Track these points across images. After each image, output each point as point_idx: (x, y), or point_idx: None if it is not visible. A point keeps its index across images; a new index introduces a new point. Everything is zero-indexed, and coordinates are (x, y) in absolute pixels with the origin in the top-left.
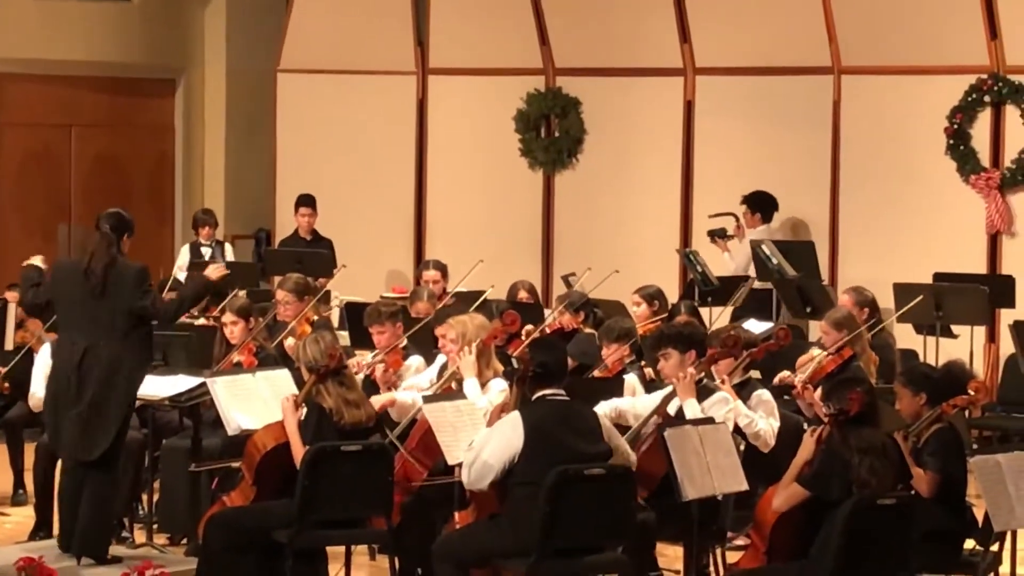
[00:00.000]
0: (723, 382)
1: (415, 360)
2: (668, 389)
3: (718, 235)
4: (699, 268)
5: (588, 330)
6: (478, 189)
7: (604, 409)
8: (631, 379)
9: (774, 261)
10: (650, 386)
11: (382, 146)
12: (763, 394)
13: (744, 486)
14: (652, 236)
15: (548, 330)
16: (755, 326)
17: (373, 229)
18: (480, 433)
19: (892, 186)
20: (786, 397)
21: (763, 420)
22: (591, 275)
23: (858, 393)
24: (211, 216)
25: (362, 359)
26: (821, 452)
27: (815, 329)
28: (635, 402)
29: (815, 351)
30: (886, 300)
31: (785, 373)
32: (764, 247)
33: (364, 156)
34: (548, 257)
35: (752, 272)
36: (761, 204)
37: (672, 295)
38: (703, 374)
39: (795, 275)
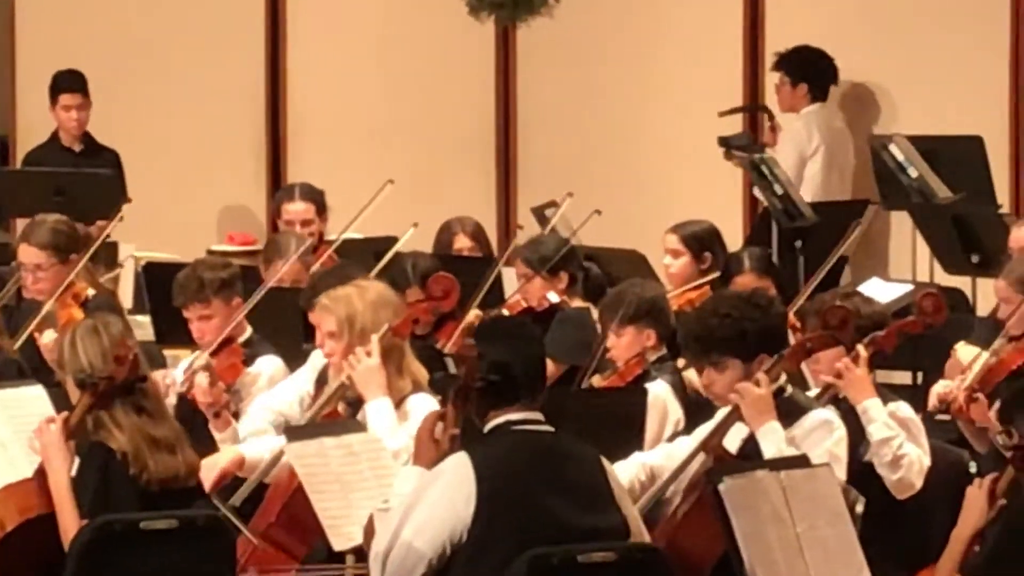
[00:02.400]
0: (827, 390)
1: (267, 364)
2: (724, 412)
3: (736, 145)
4: (778, 187)
5: (577, 303)
6: (377, 56)
7: (628, 472)
8: (659, 390)
9: (912, 172)
10: (694, 402)
11: None
12: (901, 408)
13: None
14: (689, 133)
15: (508, 308)
16: (881, 289)
17: (190, 132)
18: (396, 489)
19: None
20: (939, 417)
21: (908, 444)
22: (578, 204)
23: None
24: None
25: (172, 370)
26: (1002, 516)
27: (987, 293)
28: (673, 450)
29: (978, 351)
30: None
31: (944, 386)
32: (894, 148)
33: (171, 7)
34: (507, 175)
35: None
36: (807, 69)
37: (732, 241)
38: (784, 379)
39: (952, 197)
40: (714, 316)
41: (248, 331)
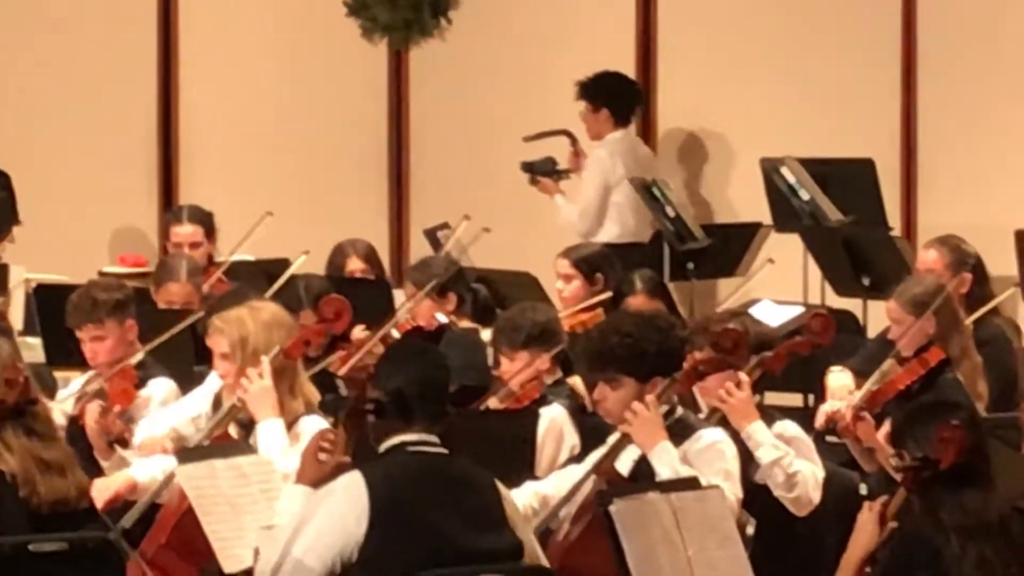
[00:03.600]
0: (714, 412)
1: (159, 387)
2: (615, 436)
3: (540, 171)
4: (670, 209)
5: (465, 324)
6: (270, 78)
7: (520, 500)
8: (556, 414)
9: (803, 195)
10: (588, 424)
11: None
12: (788, 427)
13: None
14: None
15: (398, 328)
16: (771, 311)
17: (81, 153)
18: (280, 508)
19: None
20: (829, 439)
21: (799, 461)
22: (470, 226)
23: (954, 430)
24: None
25: (64, 398)
26: (893, 539)
27: (877, 315)
28: (562, 478)
29: (849, 378)
30: (999, 258)
31: (831, 406)
32: (785, 170)
33: (62, 29)
34: (400, 197)
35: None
36: (609, 93)
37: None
38: (672, 401)
39: (843, 220)
40: (615, 334)
41: (141, 353)
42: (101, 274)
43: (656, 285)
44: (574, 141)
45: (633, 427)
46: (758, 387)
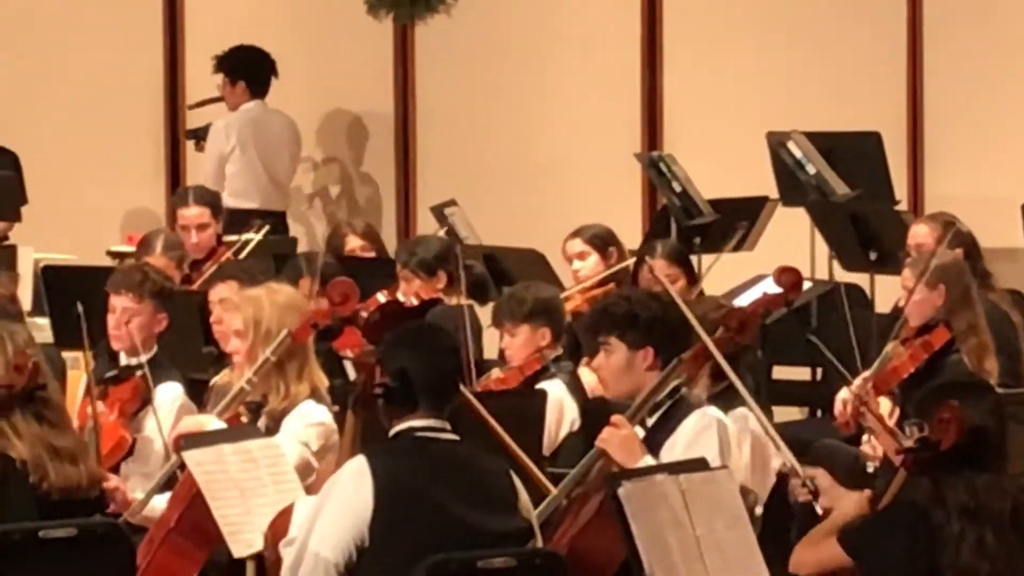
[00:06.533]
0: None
1: (166, 393)
2: (592, 453)
3: (203, 137)
4: (676, 184)
5: (457, 301)
6: (276, 54)
7: None
8: (556, 389)
9: (810, 169)
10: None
11: None
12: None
13: None
14: (588, 131)
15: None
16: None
17: (89, 133)
18: (300, 504)
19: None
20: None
21: None
22: (477, 203)
23: (953, 410)
24: None
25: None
26: (889, 504)
27: (885, 290)
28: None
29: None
30: (1006, 230)
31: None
32: (792, 145)
33: (69, 7)
34: (406, 174)
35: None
36: (246, 67)
37: (631, 238)
38: (680, 380)
39: (850, 194)
40: (615, 298)
41: (154, 350)
42: (110, 254)
43: (677, 252)
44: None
45: (611, 445)
46: (766, 361)
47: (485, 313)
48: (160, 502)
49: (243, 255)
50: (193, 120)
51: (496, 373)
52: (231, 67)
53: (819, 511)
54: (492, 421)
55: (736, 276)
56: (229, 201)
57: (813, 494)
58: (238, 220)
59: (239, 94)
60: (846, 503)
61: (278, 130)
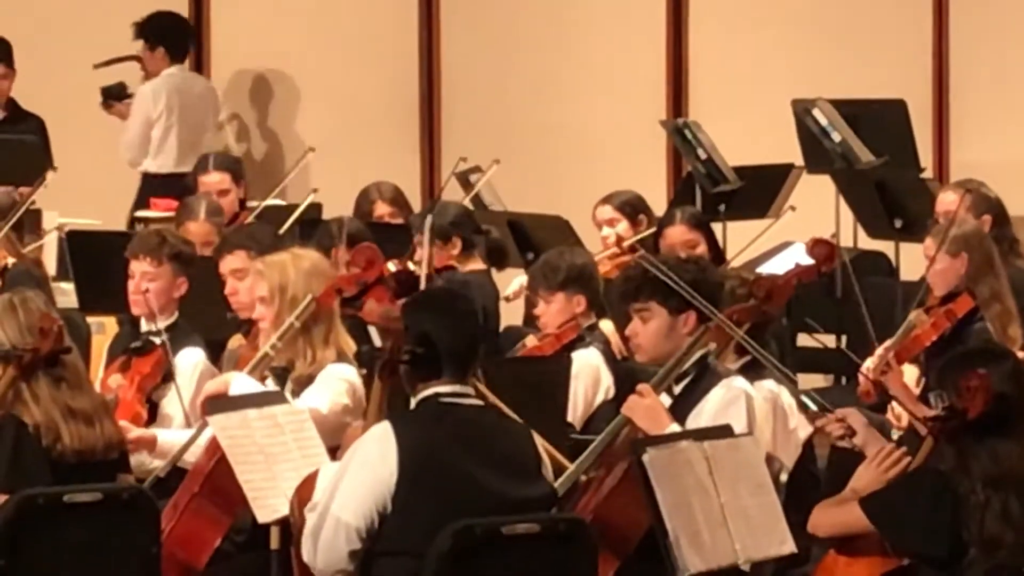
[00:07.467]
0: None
1: (187, 359)
2: (618, 420)
3: (113, 96)
4: (701, 151)
5: (473, 267)
6: (301, 20)
7: None
8: (591, 357)
9: (835, 136)
10: (622, 369)
11: None
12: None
13: (789, 547)
14: (614, 98)
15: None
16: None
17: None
18: (325, 469)
19: None
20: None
21: None
22: (502, 169)
23: (981, 378)
24: None
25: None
26: (913, 471)
27: (910, 257)
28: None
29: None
30: (1020, 198)
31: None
32: (817, 112)
33: None
34: (431, 140)
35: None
36: (164, 32)
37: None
38: (708, 348)
39: (875, 161)
40: (650, 263)
41: (175, 315)
42: (133, 218)
43: (696, 218)
44: (142, 63)
45: (636, 413)
46: (791, 328)
47: (501, 279)
48: (182, 437)
49: (284, 228)
50: (100, 79)
51: (532, 340)
52: (150, 32)
53: (855, 447)
54: (496, 400)
55: (761, 243)
56: (151, 166)
57: (848, 432)
58: (160, 185)
59: (159, 59)
60: (865, 473)
61: (201, 94)
